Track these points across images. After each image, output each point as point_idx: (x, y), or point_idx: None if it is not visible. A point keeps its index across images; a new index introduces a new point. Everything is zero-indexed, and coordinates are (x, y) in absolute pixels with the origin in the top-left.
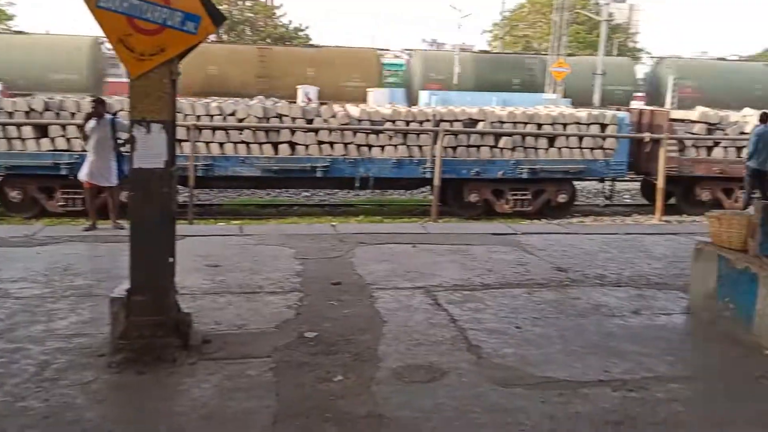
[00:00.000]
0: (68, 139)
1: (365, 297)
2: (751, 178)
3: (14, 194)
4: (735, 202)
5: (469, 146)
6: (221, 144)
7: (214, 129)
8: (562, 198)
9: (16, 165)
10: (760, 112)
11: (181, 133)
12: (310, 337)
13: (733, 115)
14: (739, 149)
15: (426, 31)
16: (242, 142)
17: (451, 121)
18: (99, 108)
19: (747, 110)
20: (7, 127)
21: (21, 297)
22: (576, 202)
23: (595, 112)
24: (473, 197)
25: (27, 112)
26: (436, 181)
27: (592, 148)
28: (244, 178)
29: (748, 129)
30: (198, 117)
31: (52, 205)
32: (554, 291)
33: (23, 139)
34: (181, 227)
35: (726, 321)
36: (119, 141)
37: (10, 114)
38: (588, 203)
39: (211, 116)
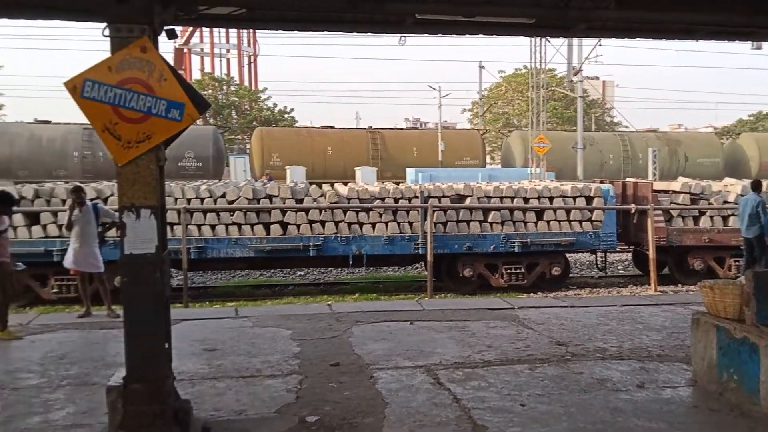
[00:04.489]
0: (59, 226)
1: (365, 378)
2: (748, 246)
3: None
4: (728, 270)
5: (458, 221)
6: (213, 226)
7: (205, 212)
8: (555, 270)
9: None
10: (747, 181)
11: (172, 216)
12: (312, 422)
13: (715, 185)
14: (725, 218)
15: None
16: (234, 223)
17: (439, 197)
18: (81, 196)
19: (728, 179)
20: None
21: (17, 388)
22: (570, 275)
23: (580, 185)
24: (467, 272)
25: (18, 200)
26: (429, 257)
27: (580, 221)
28: (237, 260)
29: (731, 198)
30: (189, 200)
31: (46, 292)
32: (556, 366)
33: (14, 227)
34: (176, 311)
35: (732, 393)
36: (101, 227)
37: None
38: (582, 275)
39: (202, 199)
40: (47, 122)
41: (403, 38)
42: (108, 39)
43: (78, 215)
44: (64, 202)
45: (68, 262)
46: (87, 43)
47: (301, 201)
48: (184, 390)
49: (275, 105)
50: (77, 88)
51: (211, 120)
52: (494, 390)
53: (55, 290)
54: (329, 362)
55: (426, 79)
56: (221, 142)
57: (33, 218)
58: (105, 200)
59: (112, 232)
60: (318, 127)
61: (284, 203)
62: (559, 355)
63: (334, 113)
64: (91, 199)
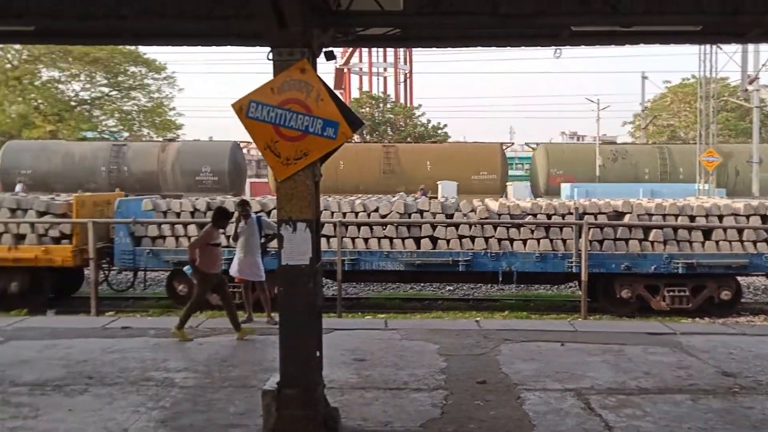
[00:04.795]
0: (227, 237)
1: (512, 397)
2: None
3: (182, 288)
4: None
5: (616, 239)
6: (366, 239)
7: (359, 225)
8: (725, 295)
9: (184, 261)
10: None
11: (329, 229)
12: None
13: None
14: None
15: (565, 124)
16: (386, 237)
17: (595, 214)
18: (246, 209)
19: None
20: (175, 225)
21: (185, 386)
22: (743, 300)
23: (755, 202)
24: (625, 293)
25: (192, 212)
26: (584, 276)
27: (755, 241)
28: (388, 273)
29: None
30: (344, 214)
31: (214, 298)
32: (722, 399)
33: (189, 237)
34: (330, 320)
35: None
36: (264, 239)
37: (178, 214)
38: (757, 301)
39: (356, 213)
40: (83, 140)
41: (558, 51)
42: (271, 63)
43: (243, 227)
44: (232, 214)
45: (233, 270)
46: (251, 66)
47: (451, 216)
48: (333, 398)
49: (429, 121)
50: (243, 108)
51: (368, 137)
52: (650, 420)
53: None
54: (476, 379)
55: (584, 92)
56: (240, 156)
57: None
58: (268, 213)
59: (273, 243)
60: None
61: (434, 218)
62: (726, 386)
63: (487, 128)
64: (256, 212)
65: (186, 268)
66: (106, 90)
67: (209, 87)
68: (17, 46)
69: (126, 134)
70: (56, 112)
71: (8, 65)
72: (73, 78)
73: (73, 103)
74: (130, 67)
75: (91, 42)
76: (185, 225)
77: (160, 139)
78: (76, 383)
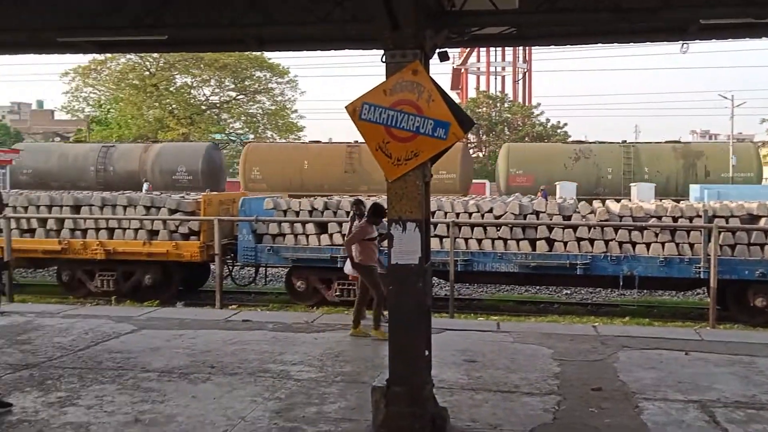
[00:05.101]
0: (343, 236)
1: (630, 406)
2: None
3: (299, 284)
4: None
5: (750, 244)
6: (479, 240)
7: (472, 226)
8: None
9: (302, 258)
10: None
11: (441, 229)
12: None
13: None
14: None
15: (696, 122)
16: (499, 238)
17: (726, 217)
18: (361, 208)
19: None
20: (294, 224)
21: (300, 379)
22: None
23: None
24: (760, 302)
25: (310, 211)
26: (713, 282)
27: None
28: (502, 274)
29: None
30: (457, 214)
31: (330, 295)
32: None
33: (307, 235)
34: (441, 320)
35: None
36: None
37: (297, 213)
38: None
39: (470, 213)
40: (81, 141)
41: (685, 45)
42: (384, 65)
43: (357, 226)
44: (347, 213)
45: (348, 268)
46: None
47: (568, 218)
48: (442, 398)
49: (548, 120)
50: (356, 110)
51: (484, 137)
52: None
53: (337, 293)
54: (591, 386)
55: (718, 87)
56: (217, 156)
57: (322, 227)
58: None
59: (386, 243)
60: (305, 143)
61: (551, 219)
62: None
63: (612, 126)
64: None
65: (346, 268)
66: (233, 94)
67: (328, 90)
68: (155, 55)
69: (251, 136)
70: (188, 116)
71: (146, 72)
72: (203, 83)
73: (203, 107)
74: (256, 72)
75: (218, 49)
76: (303, 224)
77: (282, 140)
78: (200, 372)
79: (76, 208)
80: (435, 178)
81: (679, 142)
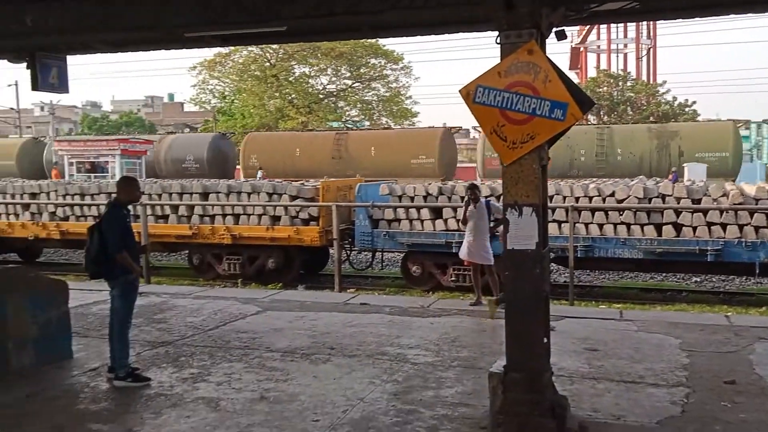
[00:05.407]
0: (457, 221)
1: (767, 401)
2: None
3: (415, 269)
4: None
5: None
6: (600, 225)
7: (593, 210)
8: None
9: (417, 243)
10: None
11: (560, 214)
12: None
13: None
14: None
15: None
16: (622, 223)
17: None
18: (475, 193)
19: None
20: (410, 209)
21: (416, 363)
22: None
23: None
24: None
25: (424, 197)
26: None
27: None
28: (625, 261)
29: None
30: (576, 199)
31: (445, 279)
32: None
33: (422, 221)
34: (561, 308)
35: None
36: (492, 223)
37: (412, 198)
38: None
39: (590, 198)
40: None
41: None
42: (498, 47)
43: (473, 211)
44: (462, 198)
45: (463, 253)
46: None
47: (698, 201)
48: (562, 386)
49: (675, 99)
50: (470, 94)
51: (605, 117)
52: None
53: (452, 278)
54: (723, 379)
55: None
56: (223, 145)
57: (437, 212)
58: (498, 198)
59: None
60: (297, 132)
61: (678, 203)
62: None
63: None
64: (485, 197)
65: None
66: (349, 82)
67: (442, 75)
68: (274, 46)
69: (367, 123)
70: (307, 105)
71: (267, 64)
72: (321, 72)
73: (321, 96)
74: (371, 59)
75: (334, 37)
76: (419, 209)
77: (398, 127)
78: (320, 353)
79: (205, 195)
80: (413, 163)
81: (657, 122)
